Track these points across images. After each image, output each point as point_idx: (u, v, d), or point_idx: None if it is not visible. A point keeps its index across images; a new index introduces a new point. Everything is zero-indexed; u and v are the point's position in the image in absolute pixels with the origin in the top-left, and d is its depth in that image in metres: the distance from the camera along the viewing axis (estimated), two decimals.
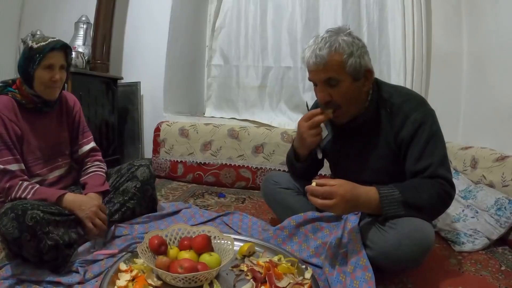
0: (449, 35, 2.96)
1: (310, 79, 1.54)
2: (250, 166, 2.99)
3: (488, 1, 2.55)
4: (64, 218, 1.53)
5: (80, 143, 1.94)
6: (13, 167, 1.56)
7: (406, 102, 1.49)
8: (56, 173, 1.80)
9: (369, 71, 1.48)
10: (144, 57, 3.59)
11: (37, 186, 1.59)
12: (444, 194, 1.37)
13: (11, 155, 1.57)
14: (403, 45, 3.13)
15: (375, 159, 1.57)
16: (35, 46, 1.60)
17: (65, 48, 1.69)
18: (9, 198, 1.53)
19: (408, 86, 3.06)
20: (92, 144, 1.98)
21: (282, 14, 3.49)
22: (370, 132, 1.57)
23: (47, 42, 1.62)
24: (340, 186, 1.30)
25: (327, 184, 1.31)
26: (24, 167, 1.62)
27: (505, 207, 1.84)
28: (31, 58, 1.61)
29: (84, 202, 1.62)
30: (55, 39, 1.66)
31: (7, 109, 1.60)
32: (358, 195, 1.31)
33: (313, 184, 1.34)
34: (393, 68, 3.23)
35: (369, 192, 1.33)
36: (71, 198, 1.61)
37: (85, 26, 3.42)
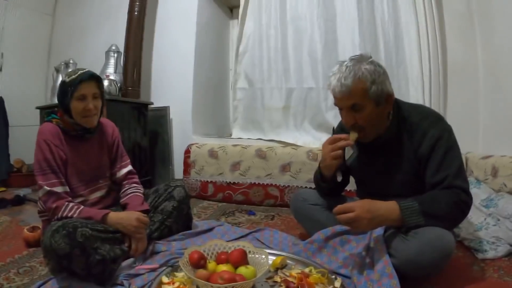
0: (463, 45, 2.97)
1: (336, 105, 1.65)
2: (278, 184, 3.05)
3: (499, 10, 2.60)
4: (109, 236, 1.65)
5: (119, 166, 2.07)
6: (59, 189, 1.69)
7: (424, 120, 1.59)
8: (98, 194, 1.93)
9: (390, 96, 1.58)
10: (172, 82, 3.74)
11: (82, 206, 1.71)
12: (461, 203, 1.45)
13: (57, 178, 1.71)
14: (419, 60, 3.14)
15: (398, 174, 1.67)
16: (67, 80, 1.76)
17: (95, 78, 1.82)
18: (56, 217, 1.65)
19: (427, 99, 3.08)
20: (130, 167, 2.11)
21: (301, 37, 3.51)
22: (393, 149, 1.66)
23: (77, 74, 1.75)
24: (361, 206, 1.42)
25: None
26: (68, 189, 1.74)
27: None
28: (65, 92, 1.75)
29: (125, 220, 1.73)
30: (84, 70, 1.79)
31: (52, 136, 1.74)
32: (377, 208, 1.43)
33: None
34: (411, 83, 3.23)
35: (389, 205, 1.44)
36: (113, 218, 1.72)
37: (115, 55, 3.58)
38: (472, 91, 2.93)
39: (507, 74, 2.56)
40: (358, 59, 1.56)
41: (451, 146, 1.54)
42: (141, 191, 2.05)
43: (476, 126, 2.91)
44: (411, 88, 3.23)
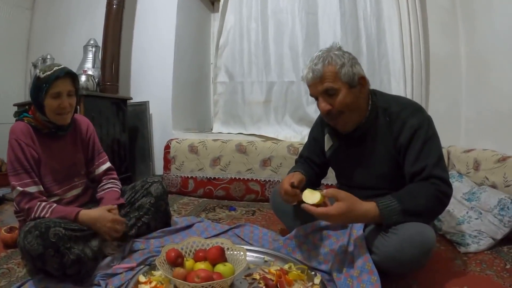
0: (446, 40, 3.01)
1: (311, 95, 1.65)
2: (258, 179, 3.04)
3: (483, 5, 2.61)
4: (84, 233, 1.61)
5: (97, 163, 2.02)
6: (32, 189, 1.65)
7: (403, 110, 1.58)
8: (73, 192, 1.88)
9: (363, 78, 1.59)
10: (152, 77, 3.68)
11: (54, 205, 1.66)
12: (441, 195, 1.43)
13: (30, 178, 1.66)
14: (401, 53, 3.19)
15: (378, 165, 1.66)
16: (41, 76, 1.69)
17: (71, 74, 1.76)
18: (30, 218, 1.60)
19: (409, 93, 3.10)
20: (108, 164, 2.06)
21: (283, 30, 3.55)
22: (372, 140, 1.65)
23: (52, 71, 1.69)
24: (337, 208, 1.37)
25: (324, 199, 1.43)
26: (42, 189, 1.70)
27: (508, 207, 1.88)
28: (39, 88, 1.69)
29: (99, 220, 1.69)
30: (60, 66, 1.73)
31: (24, 135, 1.69)
32: (356, 209, 1.39)
33: (307, 193, 1.46)
34: (393, 77, 3.26)
35: (367, 205, 1.40)
36: (85, 216, 1.67)
37: (93, 49, 3.50)
38: (454, 85, 2.98)
39: (489, 68, 2.58)
40: (327, 49, 1.61)
41: (431, 136, 1.52)
42: (119, 187, 2.02)
43: (458, 120, 2.95)
44: (393, 81, 3.27)
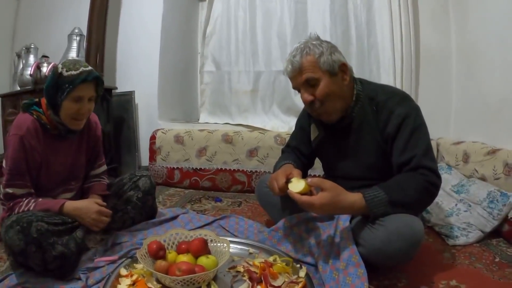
0: (437, 32, 2.99)
1: (294, 87, 1.63)
2: (245, 170, 3.01)
3: None
4: (68, 227, 1.54)
5: (95, 165, 1.95)
6: (22, 191, 1.57)
7: (390, 99, 1.56)
8: (67, 196, 1.79)
9: (344, 65, 1.57)
10: (138, 66, 3.60)
11: (40, 199, 1.59)
12: (430, 186, 1.41)
13: (22, 181, 1.57)
14: (391, 44, 3.15)
15: (364, 155, 1.64)
16: (65, 73, 1.53)
17: (97, 79, 1.62)
18: (14, 213, 1.52)
19: (398, 84, 3.09)
20: (104, 168, 2.00)
21: (271, 19, 3.53)
22: (358, 130, 1.63)
23: (78, 71, 1.54)
24: (321, 197, 1.34)
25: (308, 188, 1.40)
26: (33, 191, 1.61)
27: (497, 200, 1.87)
28: (59, 87, 1.54)
29: (84, 210, 1.63)
30: (87, 68, 1.58)
31: (30, 134, 1.56)
32: (338, 205, 1.36)
33: (294, 182, 1.45)
34: (383, 68, 3.24)
35: (354, 197, 1.37)
36: (70, 206, 1.61)
37: (78, 38, 3.42)
38: (444, 77, 2.97)
39: (480, 61, 2.56)
40: (305, 41, 1.60)
41: (419, 125, 1.50)
42: (106, 181, 1.98)
43: (448, 112, 2.93)
44: (383, 72, 3.25)
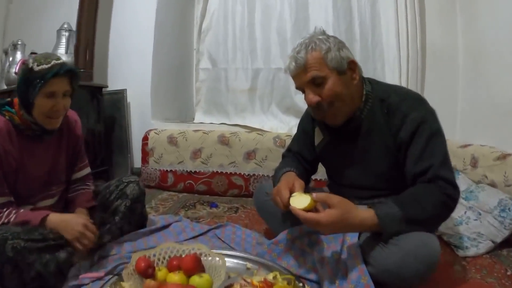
0: (444, 30, 2.93)
1: (297, 87, 1.50)
2: (242, 173, 2.92)
3: None
4: (51, 243, 1.42)
5: (77, 168, 1.83)
6: (1, 200, 1.46)
7: (404, 101, 1.43)
8: (48, 202, 1.68)
9: (353, 62, 1.45)
10: (130, 63, 3.51)
11: (21, 210, 1.48)
12: (448, 200, 1.29)
13: (0, 189, 1.46)
14: (397, 41, 3.09)
15: (374, 163, 1.52)
16: (36, 68, 1.43)
17: (71, 72, 1.51)
18: None
19: (403, 83, 3.02)
20: (88, 170, 1.88)
21: (270, 14, 3.45)
22: (367, 134, 1.51)
23: (50, 65, 1.43)
24: (328, 215, 1.21)
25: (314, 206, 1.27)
26: (12, 199, 1.51)
27: (509, 208, 1.79)
28: (30, 83, 1.44)
29: (69, 222, 1.50)
30: (59, 61, 1.47)
31: (2, 137, 1.45)
32: (348, 223, 1.23)
33: (297, 196, 1.32)
34: (387, 66, 3.17)
35: (364, 215, 1.25)
36: (55, 218, 1.49)
37: (67, 34, 3.30)
38: (451, 77, 2.91)
39: (488, 60, 2.48)
40: (310, 35, 1.48)
41: (436, 131, 1.38)
42: (91, 187, 1.86)
43: (454, 113, 2.87)
44: (387, 70, 3.19)
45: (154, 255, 1.46)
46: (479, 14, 2.59)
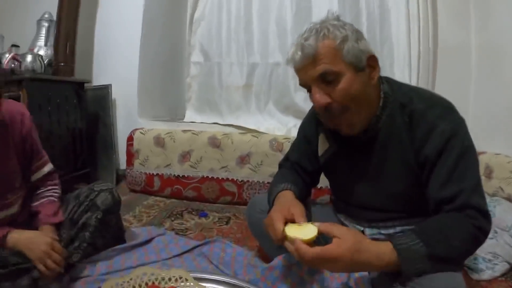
0: (456, 27, 2.81)
1: (301, 84, 1.23)
2: (235, 179, 2.76)
3: None
4: (12, 269, 1.32)
5: (33, 168, 1.61)
6: None
7: (430, 109, 1.18)
8: (8, 212, 1.48)
9: (373, 57, 1.19)
10: (116, 56, 3.35)
11: None
12: (479, 233, 1.06)
13: None
14: (407, 37, 2.98)
15: (389, 180, 1.27)
16: None
17: None
18: None
19: (413, 82, 2.89)
20: (49, 167, 1.66)
21: (269, 4, 3.33)
22: (383, 146, 1.26)
23: None
24: (340, 246, 0.98)
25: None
26: None
27: None
28: None
29: (33, 241, 1.36)
30: None
31: None
32: (362, 257, 1.00)
33: (295, 228, 1.09)
34: (397, 64, 3.08)
35: (380, 247, 1.02)
36: (16, 236, 1.35)
37: (47, 25, 3.14)
38: (463, 77, 2.82)
39: (504, 60, 2.38)
40: (322, 20, 1.20)
41: (467, 148, 1.14)
42: (58, 195, 1.64)
43: (466, 117, 2.63)
44: (396, 69, 3.11)
45: (129, 282, 1.27)
46: (495, 12, 2.48)
